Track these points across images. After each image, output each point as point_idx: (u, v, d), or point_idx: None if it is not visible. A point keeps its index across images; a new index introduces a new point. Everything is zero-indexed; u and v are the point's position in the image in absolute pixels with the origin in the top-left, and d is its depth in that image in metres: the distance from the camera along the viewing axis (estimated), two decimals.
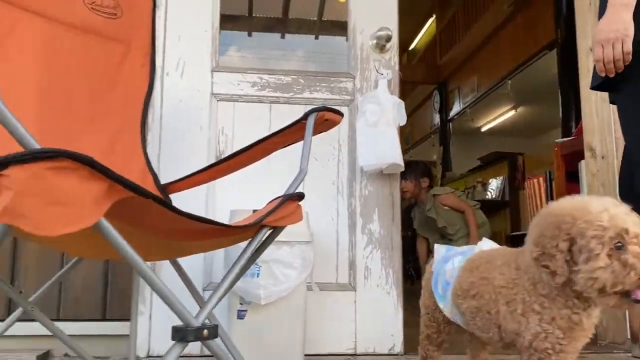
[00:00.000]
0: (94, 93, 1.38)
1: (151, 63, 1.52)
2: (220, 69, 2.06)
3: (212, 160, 2.00)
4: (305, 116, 1.23)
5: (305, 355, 1.60)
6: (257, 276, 1.56)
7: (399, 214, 2.07)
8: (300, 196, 1.14)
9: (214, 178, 1.43)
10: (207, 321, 0.93)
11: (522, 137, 7.43)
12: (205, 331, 0.88)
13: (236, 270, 1.01)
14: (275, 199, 1.13)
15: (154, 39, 1.53)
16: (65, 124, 1.29)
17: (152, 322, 1.91)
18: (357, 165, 2.04)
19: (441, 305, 1.23)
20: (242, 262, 1.03)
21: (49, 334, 1.87)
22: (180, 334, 0.86)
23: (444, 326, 1.27)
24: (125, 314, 1.97)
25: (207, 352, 1.90)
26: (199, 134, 2.02)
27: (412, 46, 8.35)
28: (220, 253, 1.92)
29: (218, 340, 0.97)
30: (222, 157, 2.00)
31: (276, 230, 1.12)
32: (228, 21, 2.13)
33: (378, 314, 1.99)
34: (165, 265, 1.78)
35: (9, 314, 1.92)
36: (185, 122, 2.02)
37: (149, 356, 1.90)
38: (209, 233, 1.01)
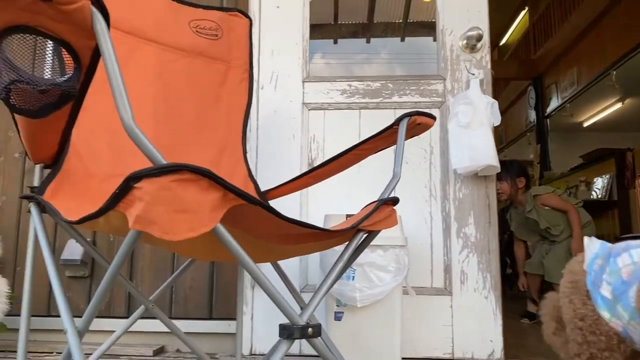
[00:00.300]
0: (201, 109, 1.50)
1: (249, 78, 1.62)
2: (311, 79, 2.14)
3: (305, 168, 2.08)
4: (397, 121, 1.25)
5: (403, 358, 1.61)
6: (353, 279, 1.60)
7: (496, 217, 2.01)
8: (395, 201, 1.16)
9: (309, 185, 1.49)
10: (309, 321, 0.98)
11: (631, 132, 6.85)
12: (310, 329, 0.93)
13: (335, 272, 1.06)
14: (370, 204, 1.16)
15: (252, 55, 1.63)
16: (177, 138, 1.42)
17: (254, 322, 2.02)
18: (450, 168, 2.02)
19: (606, 316, 0.95)
20: (341, 264, 1.07)
21: (161, 330, 2.06)
22: (287, 331, 0.92)
23: (618, 343, 0.94)
24: (229, 314, 2.10)
25: (305, 352, 1.97)
26: (292, 143, 2.11)
27: (503, 41, 8.02)
28: (314, 257, 2.00)
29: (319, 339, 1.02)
30: (314, 164, 2.08)
31: (371, 234, 1.15)
32: (314, 30, 2.20)
33: (476, 318, 1.95)
34: (266, 268, 1.88)
35: (128, 312, 2.12)
36: (279, 131, 2.12)
37: (252, 354, 2.01)
38: (309, 237, 1.06)
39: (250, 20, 1.66)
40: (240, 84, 1.60)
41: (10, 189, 2.22)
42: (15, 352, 1.93)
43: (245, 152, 1.56)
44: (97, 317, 1.81)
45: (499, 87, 7.80)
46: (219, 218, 0.81)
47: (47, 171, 1.19)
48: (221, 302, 2.11)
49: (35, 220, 1.12)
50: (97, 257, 1.27)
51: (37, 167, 1.17)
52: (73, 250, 2.07)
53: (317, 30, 2.27)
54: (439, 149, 2.06)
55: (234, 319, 2.09)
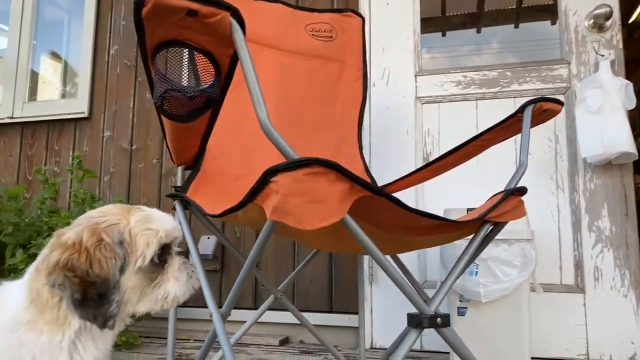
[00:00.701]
0: (318, 109, 1.56)
1: (363, 76, 1.65)
2: (423, 73, 2.12)
3: (420, 163, 2.06)
4: (521, 109, 1.20)
5: (532, 358, 1.54)
6: (476, 274, 1.56)
7: (634, 209, 1.84)
8: (523, 191, 1.12)
9: (427, 179, 1.48)
10: (437, 311, 0.98)
11: None
12: (439, 319, 0.93)
13: (462, 264, 1.05)
14: (496, 195, 1.13)
15: (365, 53, 1.66)
16: (298, 137, 1.49)
17: (373, 317, 2.04)
18: (579, 157, 1.89)
19: None
20: (467, 257, 1.06)
21: (285, 322, 2.17)
22: (416, 320, 0.93)
23: None
24: (348, 307, 2.15)
25: (426, 347, 1.95)
26: (406, 138, 2.10)
27: (632, 18, 7.25)
28: (433, 253, 1.97)
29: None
30: (429, 158, 2.06)
31: (498, 226, 1.12)
32: (422, 24, 2.18)
33: (613, 318, 1.80)
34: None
35: (255, 303, 2.26)
36: (392, 127, 2.13)
37: (372, 347, 2.04)
38: (433, 229, 1.06)
39: (363, 18, 1.69)
40: (355, 82, 1.64)
41: (150, 191, 2.48)
42: (159, 338, 2.15)
43: (361, 149, 1.60)
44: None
45: (631, 68, 7.06)
46: (347, 209, 0.85)
47: (187, 173, 1.32)
48: (341, 296, 2.17)
49: (179, 216, 1.25)
50: (232, 249, 1.38)
51: (179, 169, 1.30)
52: (205, 245, 2.26)
53: (425, 23, 2.24)
54: (565, 137, 1.93)
55: (354, 312, 2.14)
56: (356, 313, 2.13)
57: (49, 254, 0.63)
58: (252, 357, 1.91)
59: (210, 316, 1.11)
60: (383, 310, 2.02)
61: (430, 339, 1.95)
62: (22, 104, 2.75)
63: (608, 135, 1.72)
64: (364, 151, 2.08)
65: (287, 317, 2.09)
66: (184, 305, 2.29)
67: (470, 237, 1.11)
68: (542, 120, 1.25)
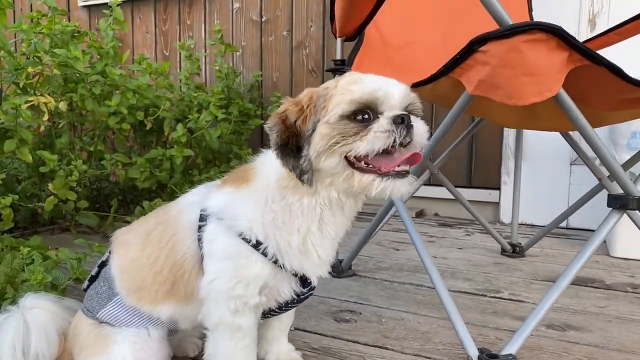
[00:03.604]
0: None
1: None
2: None
3: (584, 25, 1.81)
4: None
5: None
6: None
7: None
8: None
9: (612, 43, 1.29)
10: None
11: None
12: None
13: None
14: None
15: None
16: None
17: (520, 193, 1.98)
18: None
19: None
20: None
21: (420, 195, 2.18)
22: (621, 201, 0.86)
23: None
24: (488, 183, 2.10)
25: (571, 225, 1.87)
26: None
27: None
28: None
29: None
30: (597, 20, 1.80)
31: None
32: None
33: None
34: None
35: None
36: None
37: (520, 223, 2.00)
38: (636, 102, 0.94)
39: None
40: None
41: (282, 64, 2.47)
42: None
43: (530, 11, 1.41)
44: None
45: None
46: (562, 81, 0.76)
47: (346, 47, 1.26)
48: (480, 172, 2.12)
49: None
50: None
51: (339, 41, 1.25)
52: None
53: None
54: None
55: (494, 188, 2.09)
56: (497, 188, 2.09)
57: None
58: (391, 227, 1.97)
59: None
60: (531, 187, 1.94)
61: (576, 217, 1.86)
62: None
63: None
64: None
65: (421, 190, 2.09)
66: None
67: None
68: None
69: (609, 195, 0.89)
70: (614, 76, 0.80)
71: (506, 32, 0.71)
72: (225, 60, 2.21)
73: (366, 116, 0.62)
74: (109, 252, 0.81)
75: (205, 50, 2.55)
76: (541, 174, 1.95)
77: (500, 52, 0.73)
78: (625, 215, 0.90)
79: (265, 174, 0.71)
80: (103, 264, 0.81)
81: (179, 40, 2.69)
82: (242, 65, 2.55)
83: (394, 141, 0.61)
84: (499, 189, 2.07)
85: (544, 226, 1.92)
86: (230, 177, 0.75)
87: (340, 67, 1.20)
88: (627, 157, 1.44)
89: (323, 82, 2.50)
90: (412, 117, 0.63)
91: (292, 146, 0.64)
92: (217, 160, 2.06)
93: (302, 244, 0.68)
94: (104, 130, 1.80)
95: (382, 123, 0.61)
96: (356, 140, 0.62)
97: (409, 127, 0.62)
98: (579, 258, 0.86)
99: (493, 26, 0.77)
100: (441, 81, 0.87)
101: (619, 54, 1.19)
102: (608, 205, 0.89)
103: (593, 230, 1.85)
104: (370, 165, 0.63)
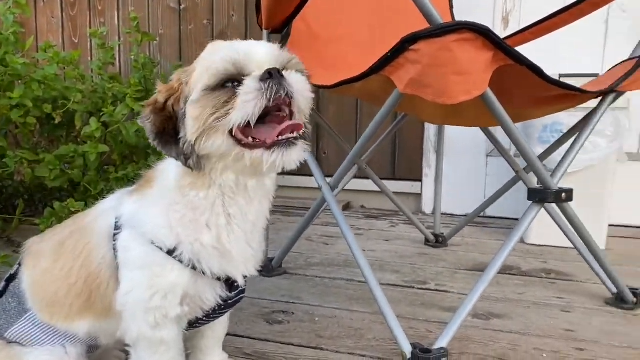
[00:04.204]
0: None
1: None
2: None
3: (498, 22, 1.90)
4: None
5: (610, 225, 1.54)
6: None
7: None
8: None
9: (526, 41, 1.36)
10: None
11: None
12: (564, 194, 0.91)
13: (583, 138, 0.99)
14: (624, 62, 1.03)
15: None
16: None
17: (441, 184, 2.05)
18: None
19: None
20: (589, 129, 1.00)
21: (347, 188, 2.20)
22: (540, 195, 0.91)
23: None
24: (411, 175, 2.16)
25: (488, 213, 1.97)
26: None
27: None
28: None
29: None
30: (510, 18, 1.89)
31: (617, 96, 1.04)
32: None
33: None
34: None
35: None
36: None
37: (433, 213, 2.08)
38: (556, 99, 0.99)
39: None
40: None
41: None
42: None
43: (451, 8, 1.45)
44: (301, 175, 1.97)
45: None
46: (488, 80, 0.77)
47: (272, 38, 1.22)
48: (404, 164, 2.17)
49: None
50: (331, 133, 1.34)
51: (265, 33, 1.21)
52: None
53: None
54: None
55: (417, 180, 2.15)
56: (419, 180, 2.15)
57: None
58: (320, 220, 1.97)
59: (320, 188, 1.11)
60: (451, 178, 2.01)
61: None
62: None
63: None
64: None
65: (348, 183, 2.11)
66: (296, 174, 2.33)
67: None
68: None
69: (529, 189, 0.94)
70: (534, 75, 0.83)
71: (437, 31, 0.72)
72: (141, 50, 2.08)
73: (235, 83, 0.58)
74: (19, 265, 0.73)
75: (120, 39, 2.39)
76: (460, 165, 2.03)
77: (432, 51, 0.73)
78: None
79: (165, 174, 0.67)
80: (12, 278, 0.73)
81: (90, 27, 2.51)
82: (160, 55, 2.42)
83: (269, 100, 0.56)
84: (420, 180, 2.13)
85: (463, 215, 2.02)
86: (140, 182, 0.70)
87: None
88: (539, 149, 1.53)
89: None
90: (287, 72, 0.58)
91: (169, 132, 0.61)
92: (135, 156, 1.95)
93: (216, 242, 0.64)
94: (5, 124, 1.63)
95: (248, 83, 0.57)
96: (229, 111, 0.57)
97: (281, 81, 0.57)
98: (503, 250, 0.89)
99: (419, 21, 0.77)
100: (371, 79, 0.86)
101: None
102: (528, 199, 0.93)
103: (507, 219, 1.95)
104: (257, 140, 0.59)
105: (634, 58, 1.02)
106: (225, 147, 0.59)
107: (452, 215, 2.06)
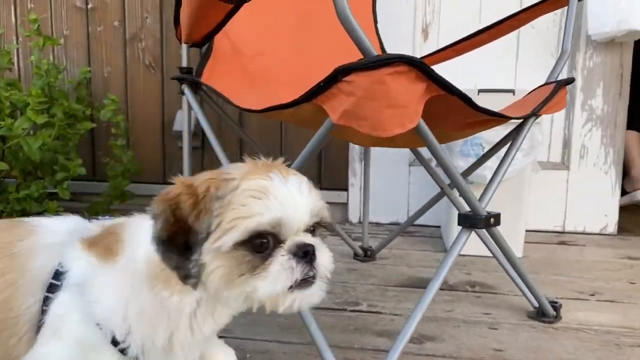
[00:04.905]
0: None
1: None
2: None
3: (419, 34, 1.94)
4: None
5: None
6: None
7: (628, 88, 1.85)
8: (570, 81, 1.07)
9: (449, 58, 1.39)
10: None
11: None
12: (492, 219, 0.92)
13: (509, 160, 1.02)
14: (542, 86, 1.07)
15: None
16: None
17: (368, 193, 2.06)
18: (582, 34, 1.83)
19: None
20: (514, 151, 1.03)
21: None
22: (470, 221, 0.91)
23: None
24: (336, 184, 2.15)
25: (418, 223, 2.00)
26: (404, 5, 1.93)
27: None
28: None
29: None
30: (429, 30, 1.93)
31: (536, 118, 1.08)
32: None
33: (592, 194, 1.90)
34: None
35: None
36: None
37: (360, 222, 2.08)
38: (481, 123, 1.01)
39: None
40: None
41: (115, 59, 2.21)
42: None
43: (376, 22, 1.45)
44: None
45: None
46: (421, 111, 0.76)
47: (192, 52, 1.15)
48: (329, 174, 2.15)
49: (191, 103, 1.11)
50: (253, 144, 1.28)
51: (185, 47, 1.13)
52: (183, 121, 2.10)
53: None
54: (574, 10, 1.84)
55: (343, 189, 2.14)
56: (345, 189, 2.15)
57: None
58: None
59: None
60: (376, 187, 2.03)
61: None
62: None
63: (623, 10, 1.65)
64: None
65: None
66: (163, 182, 2.19)
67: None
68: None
69: (459, 214, 0.94)
70: (463, 104, 0.83)
71: (372, 64, 0.69)
72: (44, 55, 1.90)
73: (265, 241, 0.53)
74: None
75: (18, 41, 2.17)
76: (384, 174, 2.04)
77: (366, 84, 0.70)
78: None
79: (133, 249, 0.58)
80: None
81: None
82: (65, 59, 2.23)
83: (296, 279, 0.54)
84: (346, 190, 2.13)
85: (389, 224, 2.04)
86: (100, 238, 0.61)
87: (187, 77, 1.09)
88: (460, 163, 1.57)
89: (163, 80, 2.34)
90: (317, 245, 0.57)
91: (179, 243, 0.53)
92: (40, 172, 1.77)
93: (167, 342, 0.58)
94: None
95: (282, 261, 0.53)
96: (255, 277, 0.53)
97: (312, 261, 0.56)
98: (438, 275, 0.89)
99: (345, 40, 0.74)
100: (303, 107, 0.82)
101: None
102: (459, 224, 0.94)
103: (429, 226, 1.99)
104: None
105: (550, 83, 1.06)
106: (242, 299, 0.56)
107: (377, 224, 2.07)
